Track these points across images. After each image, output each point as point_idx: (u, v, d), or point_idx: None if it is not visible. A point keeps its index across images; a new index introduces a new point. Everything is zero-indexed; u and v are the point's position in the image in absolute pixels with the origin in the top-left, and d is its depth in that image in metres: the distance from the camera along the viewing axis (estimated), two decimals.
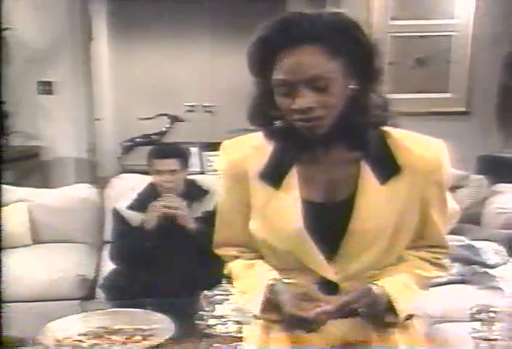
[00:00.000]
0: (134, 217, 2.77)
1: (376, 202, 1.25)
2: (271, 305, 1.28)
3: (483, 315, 1.59)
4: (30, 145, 4.54)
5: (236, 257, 1.39)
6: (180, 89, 5.01)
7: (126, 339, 1.58)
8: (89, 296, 3.14)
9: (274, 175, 1.29)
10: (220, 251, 1.42)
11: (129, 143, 4.50)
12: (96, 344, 1.57)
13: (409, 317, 1.32)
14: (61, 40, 4.49)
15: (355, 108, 1.22)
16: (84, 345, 1.57)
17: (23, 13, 4.40)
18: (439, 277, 1.38)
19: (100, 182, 3.89)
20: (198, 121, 4.62)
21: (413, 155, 1.26)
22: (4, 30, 4.26)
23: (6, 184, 3.69)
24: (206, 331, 1.85)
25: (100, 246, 3.45)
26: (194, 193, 2.82)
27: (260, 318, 1.35)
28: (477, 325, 1.61)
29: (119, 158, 4.33)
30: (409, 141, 1.28)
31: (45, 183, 4.41)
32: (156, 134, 4.57)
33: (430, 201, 1.30)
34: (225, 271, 1.43)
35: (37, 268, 3.23)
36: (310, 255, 1.27)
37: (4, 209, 3.50)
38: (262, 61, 1.21)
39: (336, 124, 1.22)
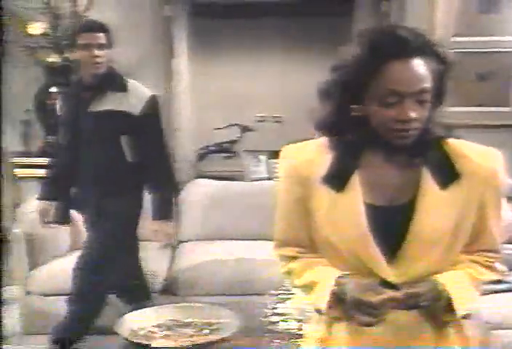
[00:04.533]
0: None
1: (436, 206, 1.22)
2: (338, 299, 1.24)
3: None
4: None
5: (295, 257, 1.34)
6: (252, 101, 5.02)
7: (194, 332, 1.58)
8: (162, 290, 3.17)
9: (337, 179, 1.26)
10: (279, 251, 1.37)
11: (203, 151, 4.53)
12: (167, 335, 1.57)
13: (465, 316, 1.28)
14: (146, 58, 4.59)
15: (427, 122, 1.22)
16: (157, 336, 1.57)
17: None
18: (492, 280, 1.33)
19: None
20: (267, 130, 4.60)
21: (471, 162, 1.24)
22: None
23: None
24: (268, 327, 1.82)
25: (174, 245, 3.48)
26: (111, 80, 2.57)
27: (324, 314, 1.30)
28: None
29: (194, 164, 4.36)
30: (467, 150, 1.26)
31: None
32: (227, 142, 4.57)
33: (487, 206, 1.26)
34: (283, 270, 1.38)
35: None
36: (372, 257, 1.23)
37: None
38: (368, 69, 1.17)
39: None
